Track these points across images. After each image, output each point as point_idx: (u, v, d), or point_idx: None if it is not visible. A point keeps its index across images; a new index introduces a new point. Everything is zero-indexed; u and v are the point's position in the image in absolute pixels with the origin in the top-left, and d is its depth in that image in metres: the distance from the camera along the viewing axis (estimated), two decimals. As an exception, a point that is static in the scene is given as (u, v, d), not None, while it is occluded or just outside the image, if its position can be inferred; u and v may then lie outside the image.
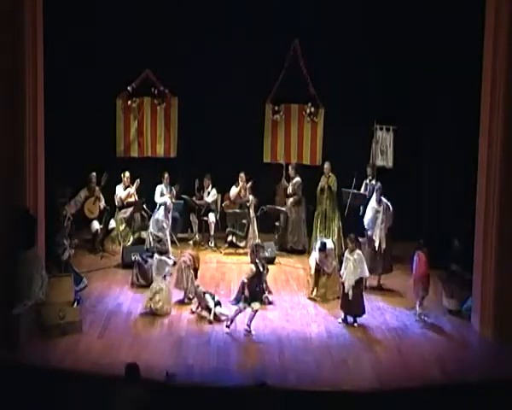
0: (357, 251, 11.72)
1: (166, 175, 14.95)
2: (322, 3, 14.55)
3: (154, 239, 13.37)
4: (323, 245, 12.25)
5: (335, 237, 14.26)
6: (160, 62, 15.09)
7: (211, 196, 15.11)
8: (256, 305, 10.99)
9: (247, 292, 11.00)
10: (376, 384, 9.54)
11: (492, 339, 10.84)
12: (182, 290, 12.06)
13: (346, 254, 11.68)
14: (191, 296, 12.00)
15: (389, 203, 12.63)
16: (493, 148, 10.88)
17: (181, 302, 12.00)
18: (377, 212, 12.61)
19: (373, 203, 12.69)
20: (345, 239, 13.99)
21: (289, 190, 14.77)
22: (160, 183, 15.00)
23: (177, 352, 10.25)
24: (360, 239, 13.88)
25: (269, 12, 14.69)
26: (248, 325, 10.93)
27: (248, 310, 10.99)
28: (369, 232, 12.76)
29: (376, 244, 12.62)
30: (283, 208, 14.86)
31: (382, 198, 12.61)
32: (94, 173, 14.35)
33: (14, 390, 9.06)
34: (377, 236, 12.61)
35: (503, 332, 10.80)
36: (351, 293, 11.35)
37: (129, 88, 15.37)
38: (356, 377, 9.72)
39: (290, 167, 14.87)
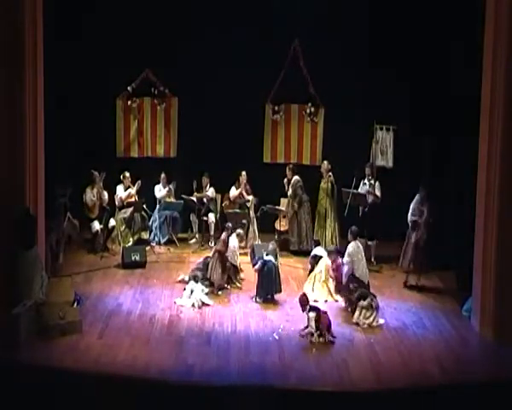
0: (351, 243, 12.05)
1: (163, 175, 15.07)
2: (323, 3, 14.55)
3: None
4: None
5: (329, 236, 14.29)
6: (160, 62, 15.08)
7: (209, 192, 15.11)
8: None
9: None
10: (376, 384, 9.54)
11: (492, 339, 10.83)
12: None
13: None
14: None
15: None
16: (493, 148, 10.86)
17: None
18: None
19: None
20: (341, 238, 14.12)
21: (289, 191, 14.66)
22: (158, 183, 15.10)
23: (177, 352, 10.24)
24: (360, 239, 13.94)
25: (269, 12, 14.69)
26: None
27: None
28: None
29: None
30: (283, 208, 14.86)
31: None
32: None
33: (14, 390, 9.07)
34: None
35: (503, 332, 10.78)
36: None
37: (129, 88, 15.37)
38: (356, 377, 9.72)
39: (287, 169, 14.82)
